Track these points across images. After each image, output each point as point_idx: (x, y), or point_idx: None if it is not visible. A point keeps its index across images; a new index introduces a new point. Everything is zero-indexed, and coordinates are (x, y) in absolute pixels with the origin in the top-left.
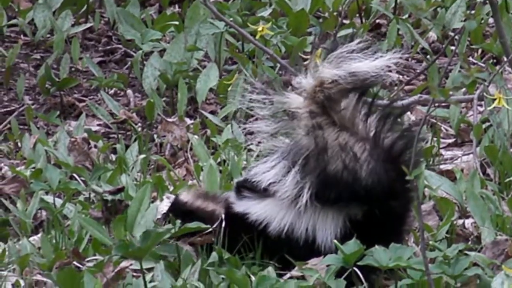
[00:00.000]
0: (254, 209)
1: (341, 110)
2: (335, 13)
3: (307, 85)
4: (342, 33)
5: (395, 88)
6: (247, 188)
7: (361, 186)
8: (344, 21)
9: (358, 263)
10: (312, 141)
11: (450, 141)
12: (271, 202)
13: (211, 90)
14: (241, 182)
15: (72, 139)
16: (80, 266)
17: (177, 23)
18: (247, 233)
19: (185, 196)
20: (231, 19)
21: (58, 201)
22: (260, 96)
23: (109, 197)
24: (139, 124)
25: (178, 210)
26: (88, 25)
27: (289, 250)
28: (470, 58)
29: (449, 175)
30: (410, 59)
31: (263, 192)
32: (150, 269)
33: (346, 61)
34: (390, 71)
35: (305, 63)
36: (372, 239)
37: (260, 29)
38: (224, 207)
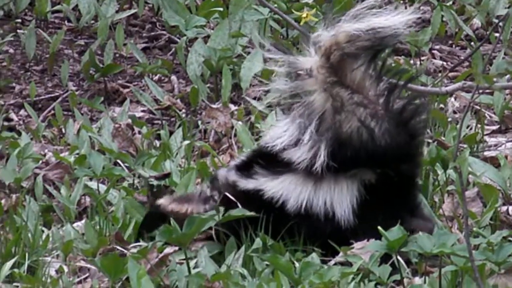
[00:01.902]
0: (268, 185)
1: (353, 72)
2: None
3: (325, 39)
4: None
5: (439, 74)
6: (257, 164)
7: (377, 145)
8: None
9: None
10: (328, 99)
11: (494, 127)
12: (287, 178)
13: (255, 76)
14: (247, 159)
15: (116, 125)
16: (124, 252)
17: (221, 9)
18: (259, 211)
19: (161, 201)
20: (276, 5)
21: (102, 187)
22: (277, 55)
23: (155, 182)
24: (183, 110)
25: (154, 217)
26: (132, 11)
27: (309, 226)
28: None
29: (493, 161)
30: (454, 46)
31: (275, 168)
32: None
33: (366, 16)
34: (410, 27)
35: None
36: (388, 204)
37: (304, 15)
38: (224, 188)
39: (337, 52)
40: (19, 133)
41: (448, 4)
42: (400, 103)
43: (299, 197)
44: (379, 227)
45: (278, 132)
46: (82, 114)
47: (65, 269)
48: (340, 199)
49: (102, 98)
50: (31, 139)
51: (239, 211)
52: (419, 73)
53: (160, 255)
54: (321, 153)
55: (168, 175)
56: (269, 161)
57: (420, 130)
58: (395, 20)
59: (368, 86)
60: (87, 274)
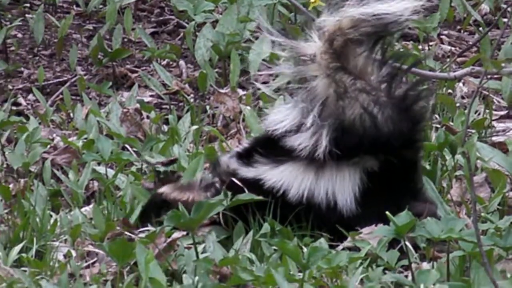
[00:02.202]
0: (269, 174)
1: (356, 58)
2: None
3: (329, 24)
4: None
5: (447, 60)
6: (257, 152)
7: (380, 131)
8: None
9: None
10: (330, 85)
11: (502, 113)
12: (287, 167)
13: (263, 61)
14: (248, 147)
15: (125, 110)
16: (132, 236)
17: None
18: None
19: (162, 189)
20: None
21: (110, 172)
22: (279, 38)
23: (162, 168)
24: (192, 95)
25: (155, 204)
26: None
27: (310, 215)
28: None
29: (501, 147)
30: (462, 31)
31: (276, 157)
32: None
33: (370, 2)
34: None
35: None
36: (390, 190)
37: (312, 0)
38: (225, 176)
39: (340, 37)
40: (28, 118)
41: None
42: (402, 89)
43: (300, 187)
44: (387, 212)
45: (280, 117)
46: (90, 98)
47: (73, 253)
48: (342, 188)
49: (110, 83)
50: (39, 123)
51: (247, 196)
52: (422, 58)
53: (168, 240)
54: (323, 139)
55: (174, 161)
56: (270, 149)
57: (422, 116)
58: (399, 6)
59: (370, 71)
60: (95, 259)
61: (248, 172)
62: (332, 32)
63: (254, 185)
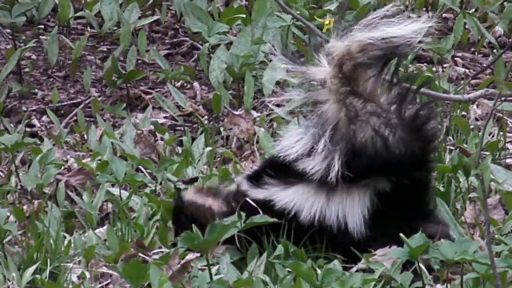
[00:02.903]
0: (279, 196)
1: (365, 81)
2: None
3: (338, 49)
4: None
5: (462, 82)
6: (267, 174)
7: (392, 153)
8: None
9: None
10: (341, 109)
11: None
12: (298, 189)
13: (277, 83)
14: (258, 169)
15: (138, 131)
16: (146, 258)
17: (244, 16)
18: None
19: (185, 194)
20: (298, 12)
21: (124, 193)
22: (290, 65)
23: (182, 186)
24: (206, 117)
25: (181, 209)
26: (155, 17)
27: (322, 238)
28: None
29: None
30: (476, 53)
31: (286, 178)
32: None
33: (379, 25)
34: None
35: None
36: (402, 211)
37: (327, 22)
38: (236, 198)
39: (349, 62)
40: (41, 139)
41: (470, 11)
42: (413, 109)
43: (312, 208)
44: (401, 234)
45: (291, 142)
46: (104, 120)
47: (87, 275)
48: (351, 210)
49: (124, 104)
50: (53, 145)
51: (261, 218)
52: (433, 79)
53: (182, 262)
54: (336, 163)
55: (196, 179)
56: (280, 171)
57: (434, 136)
58: (408, 29)
59: (380, 93)
60: (109, 280)
61: (258, 193)
62: (341, 57)
63: (265, 206)
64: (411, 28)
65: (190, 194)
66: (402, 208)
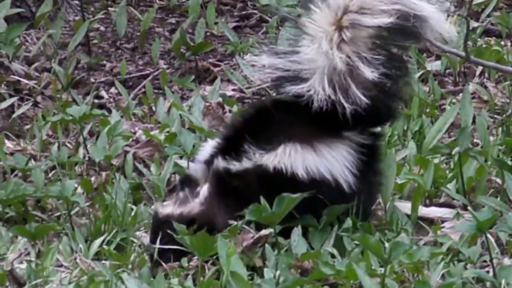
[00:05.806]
0: (268, 159)
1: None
2: None
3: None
4: None
5: None
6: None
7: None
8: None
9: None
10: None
11: None
12: (285, 149)
13: None
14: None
15: (207, 104)
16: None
17: None
18: (266, 187)
19: (162, 208)
20: None
21: None
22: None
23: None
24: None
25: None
26: None
27: (319, 195)
28: None
29: None
30: None
31: (268, 140)
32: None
33: None
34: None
35: None
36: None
37: None
38: (216, 178)
39: (346, 20)
40: (110, 111)
41: None
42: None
43: (304, 165)
44: (469, 208)
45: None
46: (172, 92)
47: None
48: (340, 163)
49: (192, 77)
50: (122, 117)
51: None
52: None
53: (255, 237)
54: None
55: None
56: (257, 134)
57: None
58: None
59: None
60: None
61: (243, 164)
62: (343, 7)
63: (256, 174)
64: (440, 18)
65: (169, 210)
66: (375, 160)
